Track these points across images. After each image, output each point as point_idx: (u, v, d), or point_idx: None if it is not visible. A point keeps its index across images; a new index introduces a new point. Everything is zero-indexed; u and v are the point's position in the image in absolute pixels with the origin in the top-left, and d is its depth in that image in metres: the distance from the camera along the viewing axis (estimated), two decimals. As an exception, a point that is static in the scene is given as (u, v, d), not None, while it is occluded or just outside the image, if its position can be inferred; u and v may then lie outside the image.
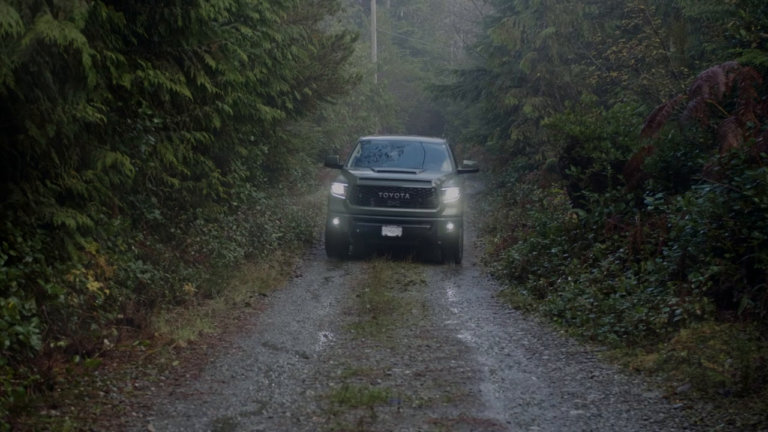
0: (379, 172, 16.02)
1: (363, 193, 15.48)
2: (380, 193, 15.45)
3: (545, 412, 6.43)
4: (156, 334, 8.55)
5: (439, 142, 18.32)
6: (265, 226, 15.29)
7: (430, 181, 15.58)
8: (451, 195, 15.68)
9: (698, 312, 8.13)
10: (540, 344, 8.94)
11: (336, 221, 15.55)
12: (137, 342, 8.12)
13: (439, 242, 15.65)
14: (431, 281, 13.68)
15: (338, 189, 15.75)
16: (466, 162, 17.63)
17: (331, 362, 8.04)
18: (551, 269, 12.39)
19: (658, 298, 8.85)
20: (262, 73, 14.51)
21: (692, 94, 10.20)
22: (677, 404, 6.42)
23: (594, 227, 12.25)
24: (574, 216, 13.50)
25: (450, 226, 15.47)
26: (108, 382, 6.90)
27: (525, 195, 22.30)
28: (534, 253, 13.46)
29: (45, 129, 7.39)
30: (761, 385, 6.38)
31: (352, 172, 16.14)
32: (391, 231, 15.25)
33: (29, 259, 7.58)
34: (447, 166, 16.98)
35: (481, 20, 34.67)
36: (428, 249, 16.29)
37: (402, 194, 15.43)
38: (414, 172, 16.02)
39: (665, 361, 7.38)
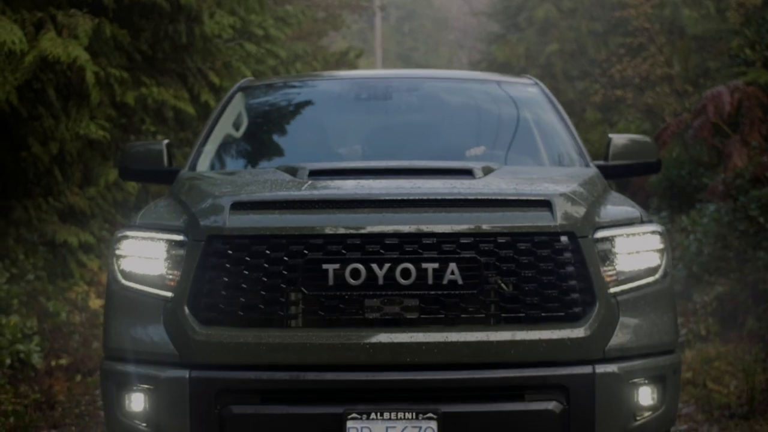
0: (321, 176, 3.75)
1: (253, 266, 3.30)
2: (330, 266, 3.26)
3: (549, 433, 6.36)
4: (158, 352, 8.51)
5: (522, 84, 5.56)
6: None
7: (548, 199, 3.43)
8: (641, 254, 3.59)
9: (703, 332, 8.09)
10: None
11: (132, 405, 3.47)
12: (139, 360, 8.09)
13: None
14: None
15: (140, 261, 3.56)
16: (630, 137, 5.02)
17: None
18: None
19: (663, 318, 8.80)
20: (266, 90, 14.52)
21: (697, 113, 10.19)
22: (682, 426, 6.36)
23: (598, 245, 12.22)
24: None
25: (649, 396, 3.48)
26: (109, 401, 6.85)
27: (529, 212, 22.25)
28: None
29: (48, 146, 7.40)
30: (767, 407, 6.32)
31: (210, 190, 3.69)
32: None
33: (31, 276, 7.57)
34: (566, 152, 4.90)
35: (485, 37, 34.71)
36: None
37: (429, 260, 3.26)
38: (469, 171, 3.74)
39: (670, 383, 7.32)
